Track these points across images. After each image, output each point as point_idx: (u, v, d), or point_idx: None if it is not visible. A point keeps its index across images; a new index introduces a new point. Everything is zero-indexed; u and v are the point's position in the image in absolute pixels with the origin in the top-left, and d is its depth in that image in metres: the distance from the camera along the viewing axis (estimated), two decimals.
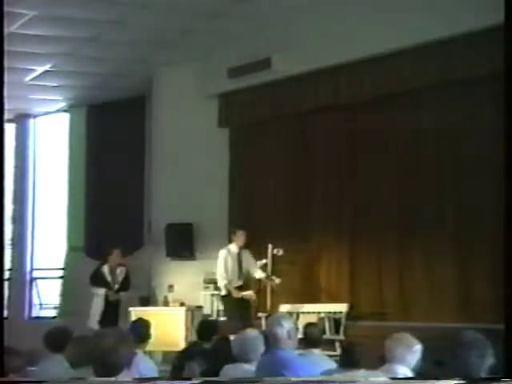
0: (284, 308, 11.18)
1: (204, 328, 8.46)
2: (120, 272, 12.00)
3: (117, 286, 11.94)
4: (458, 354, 3.90)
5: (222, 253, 11.10)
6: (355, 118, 11.49)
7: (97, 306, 11.79)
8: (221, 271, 11.06)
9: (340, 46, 10.86)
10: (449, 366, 3.89)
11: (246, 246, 11.21)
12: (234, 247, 11.15)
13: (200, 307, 12.32)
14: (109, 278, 11.93)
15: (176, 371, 7.27)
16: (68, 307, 14.94)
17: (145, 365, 6.08)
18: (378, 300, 11.06)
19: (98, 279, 11.94)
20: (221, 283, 11.10)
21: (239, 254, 11.10)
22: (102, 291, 11.78)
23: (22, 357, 5.17)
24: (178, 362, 7.64)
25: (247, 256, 11.14)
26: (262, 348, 5.51)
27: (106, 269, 11.96)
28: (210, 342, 8.33)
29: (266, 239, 11.54)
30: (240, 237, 11.10)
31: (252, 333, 5.75)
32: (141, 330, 7.06)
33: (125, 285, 12.05)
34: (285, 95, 11.89)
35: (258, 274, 11.09)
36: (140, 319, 7.85)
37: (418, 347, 4.89)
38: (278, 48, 11.62)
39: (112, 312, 11.74)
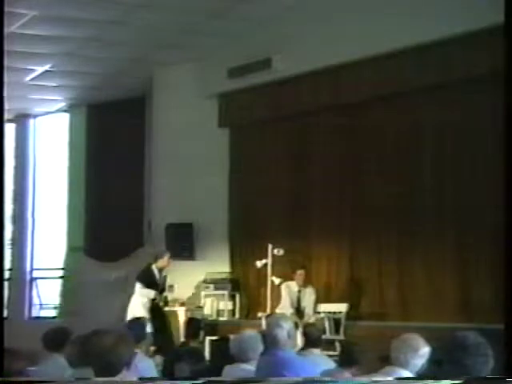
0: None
1: (190, 326, 8.50)
2: (163, 275, 11.74)
3: (161, 288, 11.70)
4: (461, 357, 3.87)
5: (283, 288, 11.15)
6: (355, 118, 11.49)
7: (142, 305, 11.32)
8: (284, 306, 11.01)
9: (340, 45, 10.86)
10: (451, 369, 3.87)
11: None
12: (294, 285, 11.14)
13: (200, 307, 12.33)
14: (158, 279, 11.65)
15: (167, 373, 7.28)
16: (68, 307, 14.94)
17: (144, 365, 6.08)
18: (378, 300, 11.07)
19: (147, 278, 11.54)
20: None
21: (299, 292, 11.13)
22: (151, 293, 11.37)
23: (23, 359, 5.17)
24: (167, 364, 7.66)
25: (309, 294, 11.14)
26: (260, 347, 5.51)
27: (155, 270, 11.64)
28: (197, 340, 8.38)
29: (266, 239, 11.54)
30: (300, 276, 11.13)
31: (250, 332, 5.76)
32: (137, 330, 7.04)
33: (165, 287, 11.87)
34: (285, 95, 11.89)
35: (308, 316, 10.99)
36: (136, 318, 7.85)
37: (425, 350, 4.69)
38: (278, 48, 11.62)
39: (160, 313, 11.49)
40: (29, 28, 11.12)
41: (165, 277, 11.69)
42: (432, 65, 10.20)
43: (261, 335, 5.60)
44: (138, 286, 11.45)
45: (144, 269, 11.66)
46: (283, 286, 11.20)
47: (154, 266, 11.56)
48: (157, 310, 11.37)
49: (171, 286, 12.69)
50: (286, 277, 11.51)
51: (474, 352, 3.87)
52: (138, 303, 11.29)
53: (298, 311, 11.04)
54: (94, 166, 15.18)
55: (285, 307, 10.87)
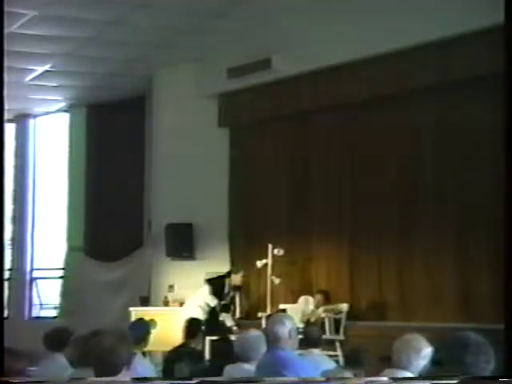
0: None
1: (190, 326, 8.51)
2: (231, 291, 11.76)
3: (224, 300, 11.67)
4: (462, 356, 3.86)
5: (301, 299, 11.16)
6: (355, 117, 11.49)
7: (201, 308, 11.28)
8: (295, 309, 10.97)
9: (340, 45, 10.85)
10: (452, 369, 3.86)
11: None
12: (311, 303, 11.10)
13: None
14: (226, 291, 11.65)
15: (167, 373, 7.30)
16: (68, 307, 14.94)
17: (142, 366, 6.08)
18: (378, 300, 11.06)
19: (217, 285, 11.54)
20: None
21: (312, 312, 11.05)
22: (214, 301, 11.36)
23: (23, 359, 5.18)
24: (167, 364, 7.67)
25: (318, 315, 11.06)
26: (263, 348, 5.51)
27: (226, 281, 11.70)
28: (196, 341, 8.39)
29: (266, 239, 11.55)
30: (317, 299, 11.12)
31: (254, 333, 5.77)
32: (139, 331, 7.05)
33: (227, 301, 11.74)
34: (285, 95, 11.88)
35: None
36: (140, 319, 7.82)
37: (427, 351, 4.65)
38: (278, 48, 11.61)
39: (214, 319, 11.36)
40: (29, 28, 11.11)
41: (229, 293, 11.70)
42: (432, 65, 10.20)
43: (265, 335, 5.60)
44: (206, 288, 11.49)
45: (218, 276, 11.72)
46: (302, 297, 11.18)
47: (227, 279, 11.66)
48: (212, 317, 11.34)
49: (171, 286, 12.70)
50: (286, 276, 11.54)
51: (476, 352, 3.87)
52: (196, 304, 11.32)
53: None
54: (94, 166, 15.18)
55: (294, 311, 10.81)
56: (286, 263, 11.61)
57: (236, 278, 11.67)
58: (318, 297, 11.13)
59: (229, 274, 11.83)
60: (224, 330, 10.93)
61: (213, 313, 11.37)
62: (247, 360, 5.59)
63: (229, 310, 11.69)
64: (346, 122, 11.60)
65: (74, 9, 10.72)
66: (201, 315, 10.96)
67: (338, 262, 11.58)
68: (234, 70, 12.14)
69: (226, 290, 11.63)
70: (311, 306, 11.09)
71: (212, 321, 11.21)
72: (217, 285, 11.58)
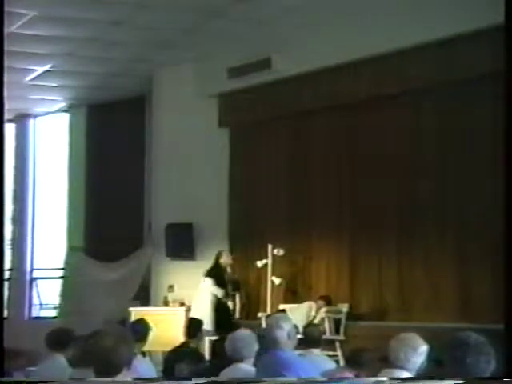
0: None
1: (190, 326, 8.53)
2: (230, 272, 11.83)
3: (230, 286, 11.76)
4: (463, 356, 3.86)
5: (307, 303, 11.19)
6: (355, 117, 11.49)
7: (210, 302, 11.43)
8: (299, 311, 11.03)
9: (340, 45, 10.86)
10: (453, 369, 3.86)
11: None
12: (314, 308, 11.09)
13: None
14: (226, 277, 11.72)
15: (167, 373, 7.31)
16: (68, 307, 14.93)
17: (143, 366, 6.08)
18: (378, 300, 11.06)
19: (218, 275, 11.60)
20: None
21: (314, 318, 11.06)
22: (220, 292, 11.49)
23: (23, 358, 5.19)
24: (167, 364, 7.67)
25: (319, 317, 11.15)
26: (254, 346, 5.52)
27: (222, 267, 11.75)
28: (196, 340, 8.42)
29: (266, 239, 11.54)
30: (319, 303, 11.13)
31: (244, 331, 5.78)
32: (140, 330, 7.05)
33: (236, 285, 11.91)
34: (285, 95, 11.89)
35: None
36: (141, 320, 7.84)
37: (423, 348, 4.71)
38: (278, 48, 11.61)
39: (224, 311, 11.52)
40: (29, 28, 11.11)
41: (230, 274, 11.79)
42: (432, 64, 10.20)
43: (256, 334, 5.60)
44: (209, 282, 11.51)
45: (213, 266, 11.71)
46: (306, 303, 11.21)
47: (221, 263, 11.68)
48: (222, 309, 11.46)
49: (171, 286, 12.70)
50: (286, 276, 11.55)
51: (476, 352, 3.87)
52: (206, 300, 11.39)
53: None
54: (94, 166, 15.18)
55: (298, 312, 10.82)
56: (286, 263, 11.62)
57: (225, 260, 11.70)
58: (320, 303, 11.14)
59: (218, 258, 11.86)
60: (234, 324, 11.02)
61: (221, 302, 11.47)
62: (240, 359, 5.59)
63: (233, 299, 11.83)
64: (346, 121, 11.60)
65: (74, 9, 10.72)
66: (211, 309, 11.15)
67: (338, 262, 11.58)
68: (234, 69, 12.14)
69: (226, 274, 11.69)
70: (313, 313, 11.11)
71: (223, 310, 11.37)
72: (217, 274, 11.61)
